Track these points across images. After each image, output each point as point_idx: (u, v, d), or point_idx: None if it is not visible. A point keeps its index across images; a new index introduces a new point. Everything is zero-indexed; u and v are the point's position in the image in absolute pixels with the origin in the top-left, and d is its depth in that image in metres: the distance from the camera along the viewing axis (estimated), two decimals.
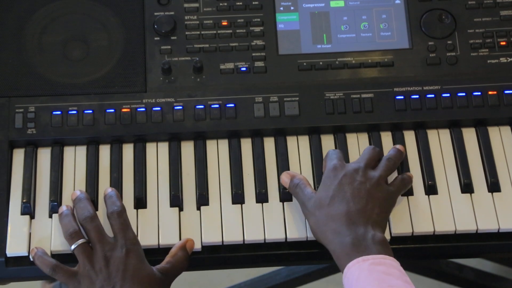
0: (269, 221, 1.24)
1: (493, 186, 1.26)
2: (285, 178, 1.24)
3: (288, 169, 1.26)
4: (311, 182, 1.26)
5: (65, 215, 1.20)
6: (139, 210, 1.24)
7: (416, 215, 1.24)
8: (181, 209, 1.25)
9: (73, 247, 1.17)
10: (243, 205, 1.25)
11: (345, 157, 1.27)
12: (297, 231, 1.23)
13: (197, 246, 1.22)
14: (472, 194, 1.26)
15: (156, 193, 1.26)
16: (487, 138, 1.29)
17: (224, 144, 1.29)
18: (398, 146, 1.26)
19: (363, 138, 1.30)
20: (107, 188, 1.23)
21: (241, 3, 1.35)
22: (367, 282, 1.08)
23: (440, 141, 1.30)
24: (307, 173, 1.27)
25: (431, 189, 1.26)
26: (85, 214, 1.19)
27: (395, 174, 1.25)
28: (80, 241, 1.17)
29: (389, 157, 1.23)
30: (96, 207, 1.24)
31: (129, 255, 1.16)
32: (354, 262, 1.10)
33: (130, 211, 1.24)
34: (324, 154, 1.28)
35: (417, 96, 1.30)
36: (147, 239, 1.22)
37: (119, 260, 1.15)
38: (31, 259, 1.19)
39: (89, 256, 1.16)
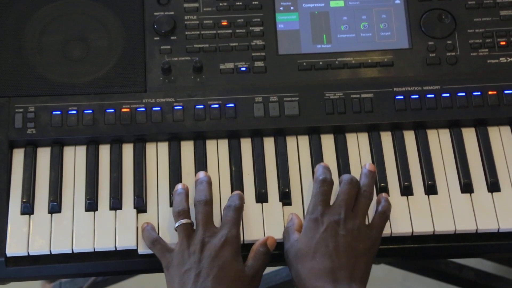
0: (269, 221, 1.24)
1: (493, 186, 1.26)
2: (287, 220, 1.23)
3: (288, 170, 1.26)
4: (311, 182, 1.26)
5: (179, 193, 1.22)
6: (139, 210, 1.24)
7: (416, 215, 1.24)
8: None
9: (176, 224, 1.19)
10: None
11: (345, 157, 1.27)
12: None
13: None
14: (472, 194, 1.26)
15: (156, 193, 1.26)
16: (487, 138, 1.29)
17: (224, 144, 1.29)
18: (368, 168, 1.23)
19: (363, 138, 1.30)
20: (235, 191, 1.24)
21: (241, 3, 1.35)
22: None
23: (440, 141, 1.30)
24: (307, 173, 1.27)
25: (431, 189, 1.26)
26: (202, 197, 1.20)
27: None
28: (184, 220, 1.19)
29: (364, 192, 1.20)
30: (96, 207, 1.24)
31: (225, 246, 1.16)
32: None
33: (130, 211, 1.24)
34: (324, 154, 1.28)
35: (417, 96, 1.30)
36: None
37: (213, 248, 1.15)
38: (141, 230, 1.21)
39: (189, 236, 1.17)
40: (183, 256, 1.16)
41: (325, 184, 1.20)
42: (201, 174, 1.24)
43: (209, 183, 1.23)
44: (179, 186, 1.23)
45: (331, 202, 1.20)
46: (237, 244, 1.18)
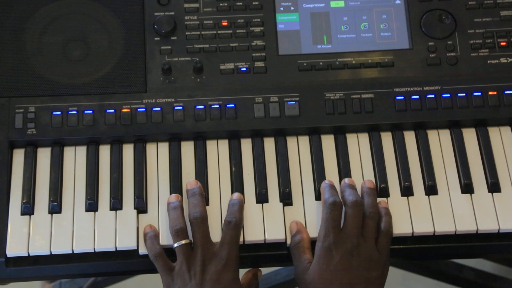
0: (269, 221, 1.24)
1: (493, 186, 1.26)
2: (291, 228, 1.23)
3: (288, 170, 1.26)
4: (311, 182, 1.26)
5: (174, 207, 1.21)
6: (139, 211, 1.24)
7: (416, 215, 1.24)
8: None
9: (175, 245, 1.18)
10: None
11: (346, 157, 1.27)
12: None
13: None
14: (472, 195, 1.26)
15: (157, 193, 1.26)
16: (487, 139, 1.29)
17: (224, 145, 1.29)
18: (367, 186, 1.23)
19: (363, 138, 1.30)
20: (234, 193, 1.23)
21: (241, 3, 1.35)
22: None
23: (440, 141, 1.30)
24: (307, 173, 1.27)
25: (431, 189, 1.26)
26: (197, 214, 1.19)
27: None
28: (183, 241, 1.18)
29: (370, 214, 1.20)
30: (96, 208, 1.24)
31: (226, 269, 1.16)
32: None
33: (130, 211, 1.24)
34: (324, 155, 1.28)
35: (417, 97, 1.30)
36: None
37: (214, 271, 1.16)
38: (143, 235, 1.20)
39: (189, 257, 1.17)
40: (184, 279, 1.16)
41: (335, 208, 1.19)
42: (193, 183, 1.23)
43: (202, 195, 1.22)
44: (172, 199, 1.22)
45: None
46: (237, 265, 1.18)
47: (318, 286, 1.16)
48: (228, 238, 1.18)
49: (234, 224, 1.19)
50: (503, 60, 1.32)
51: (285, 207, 1.25)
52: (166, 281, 1.18)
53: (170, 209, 1.21)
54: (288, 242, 1.22)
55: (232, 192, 1.25)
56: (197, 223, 1.18)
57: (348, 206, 1.20)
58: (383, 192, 1.25)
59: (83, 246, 1.22)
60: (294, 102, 1.29)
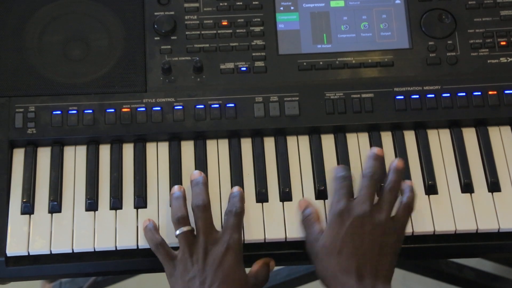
0: (269, 221, 1.24)
1: (493, 186, 1.26)
2: (301, 204, 1.23)
3: (288, 169, 1.26)
4: (311, 182, 1.26)
5: (177, 197, 1.21)
6: (139, 210, 1.24)
7: (416, 215, 1.24)
8: None
9: (177, 232, 1.18)
10: None
11: (346, 157, 1.27)
12: (297, 231, 1.23)
13: None
14: (472, 194, 1.26)
15: (156, 193, 1.26)
16: (487, 138, 1.29)
17: (224, 144, 1.29)
18: (396, 164, 1.21)
19: (363, 138, 1.30)
20: (235, 186, 1.24)
21: (241, 3, 1.35)
22: None
23: (440, 141, 1.30)
24: (307, 173, 1.27)
25: (431, 189, 1.26)
26: (199, 202, 1.19)
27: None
28: (185, 228, 1.18)
29: (391, 187, 1.19)
30: (96, 207, 1.24)
31: (228, 253, 1.16)
32: None
33: (130, 211, 1.24)
34: (324, 154, 1.28)
35: (417, 96, 1.30)
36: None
37: (216, 255, 1.15)
38: (143, 229, 1.21)
39: (191, 244, 1.17)
40: (186, 265, 1.16)
41: (346, 179, 1.19)
42: (196, 174, 1.23)
43: (205, 184, 1.22)
44: (175, 189, 1.22)
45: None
46: (239, 250, 1.18)
47: (330, 251, 1.15)
48: (230, 224, 1.18)
49: (235, 212, 1.19)
50: (503, 59, 1.33)
51: (285, 207, 1.25)
52: (168, 270, 1.17)
53: (173, 199, 1.21)
54: (288, 235, 1.22)
55: None
56: (199, 211, 1.19)
57: (364, 178, 1.19)
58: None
59: (83, 245, 1.22)
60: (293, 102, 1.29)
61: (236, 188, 1.23)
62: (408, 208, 1.19)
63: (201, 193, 1.20)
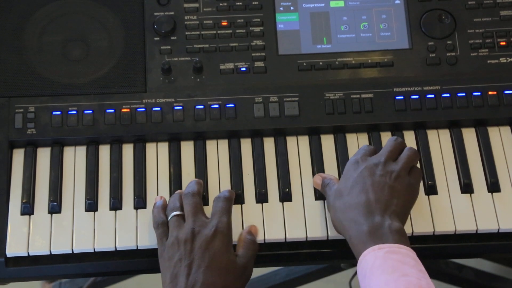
0: (269, 221, 1.24)
1: (493, 186, 1.26)
2: (317, 180, 1.24)
3: (288, 170, 1.27)
4: (311, 182, 1.26)
5: (176, 194, 1.22)
6: (139, 210, 1.24)
7: (416, 215, 1.24)
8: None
9: (169, 217, 1.19)
10: (243, 205, 1.25)
11: (345, 157, 1.27)
12: (297, 231, 1.23)
13: None
14: (472, 194, 1.26)
15: (156, 193, 1.26)
16: (487, 138, 1.29)
17: (224, 144, 1.29)
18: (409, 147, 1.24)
19: (363, 138, 1.30)
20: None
21: (241, 3, 1.35)
22: (381, 270, 1.07)
23: (440, 141, 1.30)
24: (307, 173, 1.27)
25: (431, 189, 1.26)
26: (189, 190, 1.21)
27: None
28: (176, 212, 1.19)
29: (410, 148, 1.21)
30: (96, 208, 1.24)
31: (216, 236, 1.15)
32: (370, 250, 1.10)
33: (130, 212, 1.24)
34: (324, 154, 1.28)
35: (417, 96, 1.30)
36: (149, 239, 1.22)
37: (204, 238, 1.15)
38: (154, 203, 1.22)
39: (179, 227, 1.17)
40: (174, 246, 1.16)
41: (372, 149, 1.23)
42: (195, 180, 1.24)
43: (199, 182, 1.23)
44: (177, 192, 1.24)
45: None
46: (228, 234, 1.17)
47: (341, 193, 1.17)
48: (218, 208, 1.19)
49: (224, 197, 1.20)
50: (502, 60, 1.33)
51: (285, 207, 1.25)
52: (160, 248, 1.18)
53: (172, 196, 1.22)
54: (288, 235, 1.22)
55: None
56: (188, 197, 1.20)
57: (388, 140, 1.22)
58: None
59: (83, 246, 1.22)
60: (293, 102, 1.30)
61: (225, 190, 1.23)
62: (412, 157, 1.21)
63: (193, 186, 1.22)
